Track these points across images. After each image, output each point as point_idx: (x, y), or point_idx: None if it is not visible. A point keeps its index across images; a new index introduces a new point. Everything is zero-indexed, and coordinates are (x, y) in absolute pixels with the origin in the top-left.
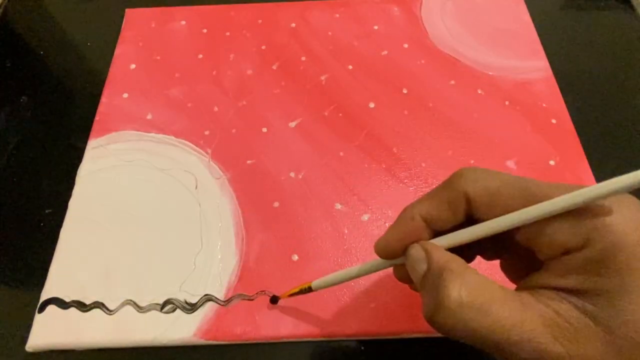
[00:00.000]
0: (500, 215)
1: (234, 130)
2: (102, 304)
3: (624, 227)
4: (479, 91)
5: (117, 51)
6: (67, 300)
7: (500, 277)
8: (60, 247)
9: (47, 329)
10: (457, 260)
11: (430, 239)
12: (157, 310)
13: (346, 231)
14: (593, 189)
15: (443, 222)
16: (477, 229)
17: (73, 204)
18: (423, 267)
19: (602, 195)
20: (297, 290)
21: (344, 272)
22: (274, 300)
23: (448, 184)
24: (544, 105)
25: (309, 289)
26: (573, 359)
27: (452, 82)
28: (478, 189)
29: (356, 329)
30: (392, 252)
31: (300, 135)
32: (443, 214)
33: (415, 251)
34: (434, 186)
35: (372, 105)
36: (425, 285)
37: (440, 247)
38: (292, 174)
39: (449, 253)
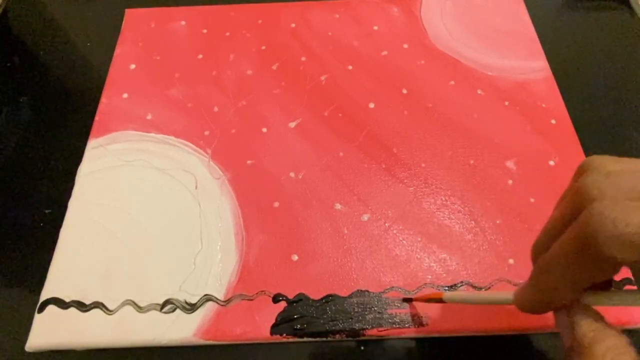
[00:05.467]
0: None
1: (233, 131)
2: (102, 304)
3: None
4: (479, 91)
5: (117, 51)
6: (67, 300)
7: None
8: (60, 247)
9: (47, 329)
10: (605, 340)
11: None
12: (157, 310)
13: (346, 231)
14: None
15: (595, 282)
16: None
17: (73, 204)
18: (568, 339)
19: None
20: (429, 297)
21: (488, 294)
22: (407, 300)
23: (585, 242)
24: (544, 105)
25: (441, 300)
26: None
27: (452, 82)
28: (628, 252)
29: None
30: (537, 312)
31: (300, 135)
32: (592, 278)
33: (561, 320)
34: (434, 186)
35: (372, 105)
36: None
37: (590, 314)
38: (292, 174)
39: (599, 327)
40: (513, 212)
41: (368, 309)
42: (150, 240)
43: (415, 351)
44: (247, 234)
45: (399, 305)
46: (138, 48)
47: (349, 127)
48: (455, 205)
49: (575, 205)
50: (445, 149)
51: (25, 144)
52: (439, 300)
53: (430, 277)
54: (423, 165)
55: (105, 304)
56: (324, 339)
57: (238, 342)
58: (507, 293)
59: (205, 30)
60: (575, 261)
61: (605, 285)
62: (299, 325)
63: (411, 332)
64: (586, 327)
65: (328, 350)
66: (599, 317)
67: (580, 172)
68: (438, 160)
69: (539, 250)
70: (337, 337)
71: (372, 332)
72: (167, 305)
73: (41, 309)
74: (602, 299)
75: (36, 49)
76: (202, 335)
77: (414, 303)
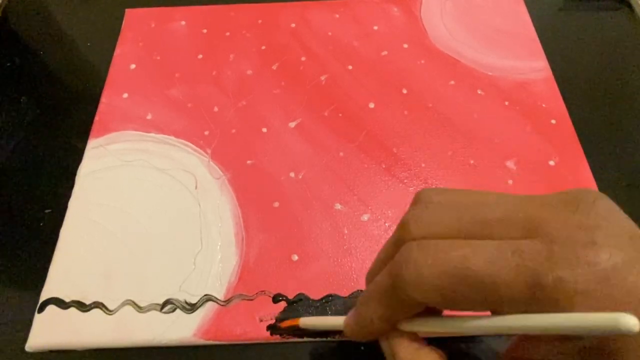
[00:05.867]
0: (466, 310)
1: (233, 130)
2: (102, 304)
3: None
4: (479, 91)
5: (117, 51)
6: (67, 300)
7: None
8: (60, 247)
9: (47, 329)
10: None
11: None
12: (157, 310)
13: (346, 231)
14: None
15: (403, 317)
16: (454, 324)
17: (73, 204)
18: None
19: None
20: (287, 325)
21: (334, 318)
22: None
23: (392, 284)
24: (544, 105)
25: (297, 327)
26: None
27: (452, 82)
28: (428, 293)
29: None
30: (362, 340)
31: (300, 135)
32: (403, 315)
33: (384, 347)
34: (434, 187)
35: (372, 105)
36: None
37: (409, 341)
38: (292, 174)
39: (414, 347)
40: None
41: None
42: (150, 240)
43: None
44: (247, 234)
45: None
46: (138, 48)
47: (349, 127)
48: None
49: (397, 239)
50: (445, 149)
51: (25, 144)
52: (297, 328)
53: None
54: (423, 165)
55: (105, 304)
56: (324, 339)
57: (238, 342)
58: (340, 318)
59: (205, 30)
60: (386, 300)
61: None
62: None
63: None
64: (404, 351)
65: (328, 350)
66: (414, 338)
67: (411, 202)
68: (438, 160)
69: (370, 278)
70: (337, 337)
71: None
72: (167, 305)
73: (41, 309)
74: (416, 325)
75: (36, 49)
76: (202, 335)
77: None
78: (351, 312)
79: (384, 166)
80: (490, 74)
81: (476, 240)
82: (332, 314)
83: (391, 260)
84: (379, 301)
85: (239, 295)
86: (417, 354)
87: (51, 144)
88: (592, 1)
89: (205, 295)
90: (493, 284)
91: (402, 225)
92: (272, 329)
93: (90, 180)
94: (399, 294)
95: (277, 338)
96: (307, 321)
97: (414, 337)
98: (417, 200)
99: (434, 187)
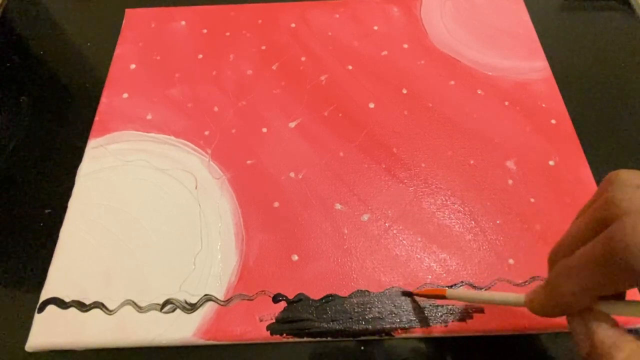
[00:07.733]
0: None
1: (233, 130)
2: (102, 304)
3: None
4: (479, 91)
5: (117, 51)
6: (67, 300)
7: None
8: (60, 247)
9: (47, 329)
10: (624, 346)
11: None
12: (157, 310)
13: (346, 231)
14: None
15: (606, 292)
16: None
17: (73, 204)
18: (585, 346)
19: None
20: (431, 293)
21: (477, 293)
22: (407, 294)
23: (614, 254)
24: (544, 105)
25: (443, 297)
26: None
27: (452, 82)
28: None
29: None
30: (550, 316)
31: (300, 135)
32: (614, 288)
33: (577, 326)
34: (434, 186)
35: (372, 105)
36: None
37: (606, 320)
38: (292, 174)
39: (616, 333)
40: (513, 212)
41: (368, 309)
42: (150, 240)
43: (416, 351)
44: (247, 234)
45: (399, 305)
46: (138, 48)
47: (349, 127)
48: (455, 205)
49: (603, 216)
50: (445, 149)
51: (25, 144)
52: (441, 297)
53: (430, 277)
54: (423, 165)
55: (105, 304)
56: (324, 339)
57: (238, 342)
58: (516, 295)
59: (205, 30)
60: (600, 270)
61: (618, 295)
62: (299, 325)
63: (418, 332)
64: (603, 333)
65: (328, 350)
66: (615, 324)
67: (607, 184)
68: (438, 160)
69: (559, 256)
70: (338, 337)
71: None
72: (167, 305)
73: (41, 309)
74: (617, 308)
75: (36, 49)
76: (202, 335)
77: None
78: (537, 287)
79: (384, 166)
80: (490, 74)
81: None
82: (332, 314)
83: (598, 236)
84: (589, 273)
85: (239, 295)
86: (620, 340)
87: (51, 144)
88: (592, 1)
89: (205, 295)
90: None
91: (610, 203)
92: (407, 294)
93: (90, 180)
94: (623, 264)
95: (277, 338)
96: (455, 293)
97: (614, 322)
98: (614, 181)
99: (628, 169)
